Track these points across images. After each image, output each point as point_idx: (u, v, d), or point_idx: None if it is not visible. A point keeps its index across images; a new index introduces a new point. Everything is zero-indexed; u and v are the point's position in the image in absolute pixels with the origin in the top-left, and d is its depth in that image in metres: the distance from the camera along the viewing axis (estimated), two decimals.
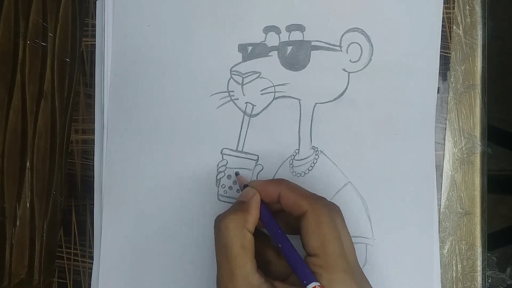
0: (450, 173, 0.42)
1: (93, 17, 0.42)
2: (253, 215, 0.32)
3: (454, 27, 0.42)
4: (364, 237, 0.39)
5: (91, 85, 0.42)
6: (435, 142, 0.40)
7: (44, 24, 0.43)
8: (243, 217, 0.32)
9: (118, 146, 0.41)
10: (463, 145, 0.42)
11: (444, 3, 0.41)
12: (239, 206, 0.33)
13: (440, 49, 0.41)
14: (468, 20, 0.42)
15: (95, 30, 0.42)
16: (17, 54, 0.43)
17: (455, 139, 0.42)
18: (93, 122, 0.42)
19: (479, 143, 0.42)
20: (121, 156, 0.41)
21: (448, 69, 0.41)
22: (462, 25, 0.42)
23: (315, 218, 0.31)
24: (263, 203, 0.34)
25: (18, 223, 0.42)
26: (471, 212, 0.41)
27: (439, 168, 0.41)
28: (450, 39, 0.42)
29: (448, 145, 0.42)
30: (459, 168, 0.42)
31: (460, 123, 0.42)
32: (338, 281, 0.30)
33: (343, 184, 0.40)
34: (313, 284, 0.29)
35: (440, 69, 0.41)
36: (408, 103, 0.40)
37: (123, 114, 0.41)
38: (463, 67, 0.42)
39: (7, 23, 0.43)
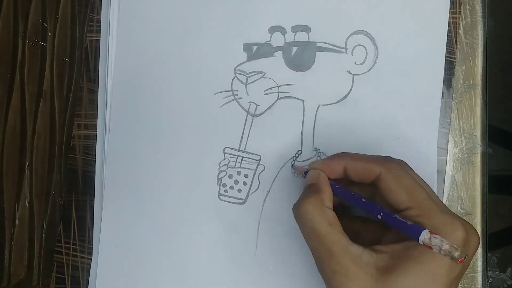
0: (450, 173, 0.41)
1: (98, 12, 0.42)
2: (327, 192, 0.33)
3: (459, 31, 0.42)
4: None
5: (95, 80, 0.42)
6: (438, 147, 0.40)
7: (43, 23, 0.43)
8: (319, 197, 0.32)
9: (120, 142, 0.41)
10: (463, 145, 0.42)
11: (450, 8, 0.41)
12: (311, 189, 0.33)
13: (445, 54, 0.41)
14: (468, 20, 0.42)
15: (100, 25, 0.42)
16: (16, 54, 0.43)
17: (456, 139, 0.42)
18: (96, 118, 0.42)
19: (479, 143, 0.42)
20: (123, 152, 0.41)
21: (453, 74, 0.41)
22: (462, 25, 0.42)
23: (392, 175, 0.31)
24: (331, 180, 0.34)
25: (17, 224, 0.42)
26: (471, 212, 0.41)
27: (441, 173, 0.40)
28: (456, 44, 0.41)
29: (449, 145, 0.41)
30: (459, 168, 0.42)
31: (461, 123, 0.42)
32: (442, 223, 0.30)
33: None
34: (424, 232, 0.28)
35: (444, 74, 0.40)
36: (412, 107, 0.40)
37: (125, 111, 0.41)
38: (463, 67, 0.42)
39: (6, 23, 0.43)
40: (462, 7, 0.42)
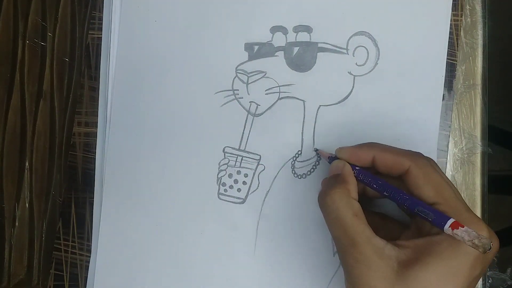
0: (450, 173, 0.41)
1: (100, 10, 0.42)
2: (352, 183, 0.33)
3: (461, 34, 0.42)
4: None
5: (96, 78, 0.42)
6: (438, 149, 0.40)
7: (43, 23, 0.43)
8: (345, 187, 0.33)
9: (120, 140, 0.41)
10: (463, 145, 0.42)
11: (452, 10, 0.41)
12: (336, 179, 0.34)
13: (447, 56, 0.41)
14: (468, 20, 0.42)
15: (101, 23, 0.42)
16: (16, 54, 0.43)
17: (456, 139, 0.42)
18: (96, 115, 0.42)
19: (479, 143, 0.42)
20: (123, 150, 0.41)
21: (454, 77, 0.41)
22: (462, 25, 0.42)
23: (421, 171, 0.32)
24: (359, 166, 0.34)
25: (17, 224, 0.42)
26: None
27: None
28: (457, 46, 0.41)
29: (449, 145, 0.41)
30: (459, 168, 0.42)
31: (461, 123, 0.42)
32: (468, 221, 0.30)
33: None
34: (450, 220, 0.29)
35: (445, 76, 0.40)
36: (413, 109, 0.40)
37: (126, 109, 0.41)
38: (463, 67, 0.42)
39: (6, 23, 0.43)
40: (463, 10, 0.42)
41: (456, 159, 0.42)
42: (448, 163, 0.41)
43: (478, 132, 0.42)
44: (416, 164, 0.32)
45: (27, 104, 0.43)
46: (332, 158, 0.37)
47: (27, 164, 0.43)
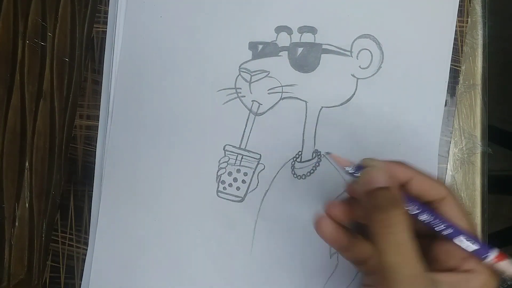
0: (450, 173, 0.41)
1: (106, 4, 0.42)
2: (404, 204, 0.30)
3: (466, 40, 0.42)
4: None
5: (99, 71, 0.42)
6: (439, 154, 0.40)
7: (43, 23, 0.43)
8: (405, 211, 0.29)
9: (121, 135, 0.41)
10: (463, 145, 0.42)
11: (457, 17, 0.41)
12: (391, 197, 0.29)
13: (451, 62, 0.41)
14: (468, 20, 0.42)
15: (107, 17, 0.42)
16: (16, 54, 0.43)
17: (456, 139, 0.42)
18: (98, 109, 0.42)
19: (479, 143, 0.42)
20: (124, 145, 0.41)
21: (457, 83, 0.41)
22: (466, 30, 0.42)
23: (456, 203, 0.30)
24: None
25: (17, 224, 0.42)
26: (471, 213, 0.41)
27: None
28: (462, 52, 0.41)
29: (449, 145, 0.41)
30: (459, 168, 0.42)
31: (461, 123, 0.42)
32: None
33: (343, 189, 0.40)
34: (496, 252, 0.28)
35: (448, 82, 0.40)
36: (415, 114, 0.40)
37: (128, 103, 0.41)
38: (463, 67, 0.42)
39: (6, 23, 0.43)
40: (465, 13, 0.42)
41: (456, 159, 0.42)
42: (448, 163, 0.41)
43: (478, 132, 0.42)
44: (452, 195, 0.30)
45: (27, 104, 0.43)
46: (358, 167, 0.32)
47: (27, 164, 0.43)
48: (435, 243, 0.31)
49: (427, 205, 0.30)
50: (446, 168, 0.41)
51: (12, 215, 0.42)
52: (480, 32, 0.42)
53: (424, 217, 0.30)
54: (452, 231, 0.29)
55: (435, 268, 0.30)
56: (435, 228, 0.30)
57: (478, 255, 0.29)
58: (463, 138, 0.42)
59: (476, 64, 0.42)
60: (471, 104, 0.42)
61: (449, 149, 0.41)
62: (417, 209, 0.30)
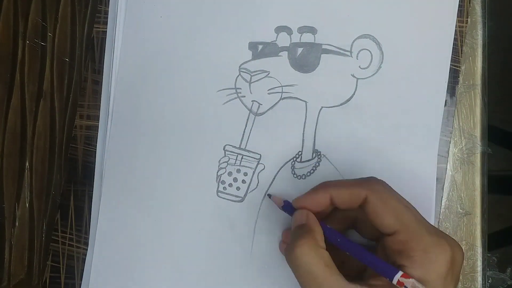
0: (450, 173, 0.41)
1: (106, 4, 0.42)
2: (318, 232, 0.32)
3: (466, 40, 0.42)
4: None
5: (99, 71, 0.42)
6: (438, 154, 0.40)
7: (43, 24, 0.43)
8: (313, 237, 0.32)
9: (121, 135, 0.41)
10: (463, 145, 0.42)
11: (457, 17, 0.41)
12: (302, 230, 0.33)
13: (450, 62, 0.41)
14: (468, 20, 0.42)
15: (107, 17, 0.42)
16: (17, 54, 0.43)
17: (455, 139, 0.42)
18: (98, 109, 0.42)
19: (479, 143, 0.42)
20: (124, 145, 0.41)
21: (457, 83, 0.41)
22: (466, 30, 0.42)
23: (378, 197, 0.31)
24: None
25: (17, 224, 0.42)
26: (471, 213, 0.41)
27: (441, 181, 0.40)
28: (462, 53, 0.41)
29: (449, 146, 0.41)
30: (459, 168, 0.42)
31: (460, 123, 0.42)
32: (430, 245, 0.30)
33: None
34: (398, 274, 0.29)
35: (448, 82, 0.40)
36: (414, 114, 0.40)
37: (128, 103, 0.41)
38: (463, 67, 0.42)
39: (6, 23, 0.43)
40: (468, 15, 0.42)
41: (456, 159, 0.42)
42: (448, 163, 0.41)
43: (478, 132, 0.42)
44: (372, 192, 0.32)
45: (27, 104, 0.43)
46: (287, 207, 0.36)
47: (27, 164, 0.43)
48: (380, 249, 0.34)
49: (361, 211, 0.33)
50: (446, 168, 0.41)
51: (12, 215, 0.42)
52: (480, 32, 0.42)
53: (340, 243, 0.33)
54: (362, 255, 0.31)
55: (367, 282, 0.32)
56: (348, 253, 0.32)
57: (386, 274, 0.30)
58: (463, 138, 0.42)
59: (476, 64, 0.42)
60: (471, 104, 0.42)
61: (448, 149, 0.41)
62: (328, 239, 0.33)
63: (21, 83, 0.43)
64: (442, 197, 0.41)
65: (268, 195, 0.40)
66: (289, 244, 0.32)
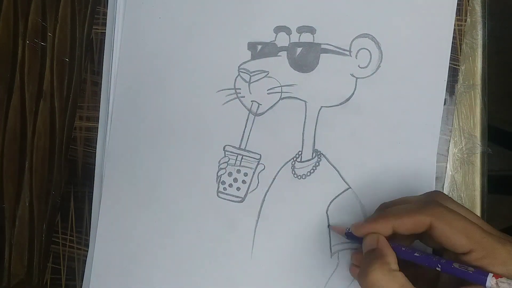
0: (450, 173, 0.41)
1: (105, 5, 0.42)
2: (391, 255, 0.32)
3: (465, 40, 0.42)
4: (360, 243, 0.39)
5: (99, 73, 0.42)
6: (438, 153, 0.40)
7: (43, 24, 0.43)
8: (385, 262, 0.32)
9: (121, 136, 0.41)
10: (463, 145, 0.42)
11: (456, 15, 0.41)
12: (374, 255, 0.33)
13: (450, 61, 0.41)
14: (468, 20, 0.42)
15: (106, 18, 0.42)
16: (17, 54, 0.43)
17: (455, 139, 0.42)
18: (98, 110, 0.42)
19: (479, 143, 0.42)
20: (124, 145, 0.41)
21: (456, 81, 0.41)
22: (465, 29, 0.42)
23: (444, 222, 0.31)
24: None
25: (17, 224, 0.42)
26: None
27: (440, 180, 0.40)
28: (460, 51, 0.41)
29: (449, 146, 0.41)
30: (459, 168, 0.42)
31: (460, 123, 0.42)
32: (508, 258, 0.30)
33: (343, 189, 0.40)
34: (489, 277, 0.29)
35: (448, 81, 0.40)
36: (414, 113, 0.40)
37: (128, 104, 0.41)
38: (463, 67, 0.42)
39: (6, 23, 0.43)
40: (467, 13, 0.42)
41: (456, 159, 0.42)
42: (448, 163, 0.41)
43: (477, 132, 0.42)
44: (437, 218, 0.31)
45: (27, 104, 0.43)
46: (349, 234, 0.36)
47: (27, 164, 0.43)
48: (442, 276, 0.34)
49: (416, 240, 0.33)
50: (446, 167, 0.41)
51: (12, 215, 0.42)
52: (479, 32, 0.42)
53: (414, 258, 0.33)
54: (441, 266, 0.31)
55: (456, 282, 0.31)
56: (427, 265, 0.32)
57: (476, 281, 0.30)
58: (463, 138, 0.42)
59: (475, 64, 0.42)
60: (471, 104, 0.42)
61: (448, 148, 0.41)
62: (400, 256, 0.33)
63: (21, 83, 0.43)
64: (443, 190, 0.41)
65: (328, 226, 0.40)
66: (361, 269, 0.32)
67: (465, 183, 0.42)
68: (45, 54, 0.43)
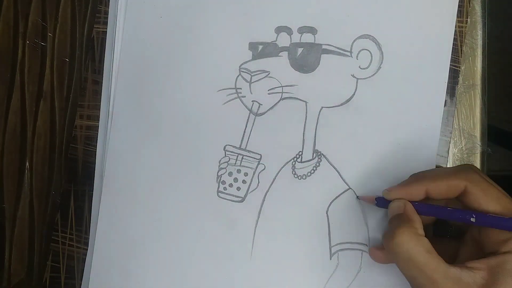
0: None
1: (106, 4, 0.42)
2: (417, 221, 0.33)
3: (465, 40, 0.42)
4: (360, 244, 0.39)
5: (99, 71, 0.42)
6: (438, 155, 0.40)
7: (43, 24, 0.43)
8: (412, 226, 0.32)
9: (121, 135, 0.41)
10: (463, 145, 0.42)
11: (457, 17, 0.41)
12: (400, 219, 0.33)
13: (450, 62, 0.41)
14: (468, 20, 0.42)
15: (107, 17, 0.42)
16: (17, 54, 0.43)
17: (455, 139, 0.42)
18: (99, 109, 0.42)
19: (479, 143, 0.42)
20: (124, 145, 0.41)
21: (456, 83, 0.41)
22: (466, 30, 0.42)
23: (479, 188, 0.32)
24: (417, 202, 0.34)
25: (17, 224, 0.42)
26: None
27: None
28: (461, 53, 0.41)
29: (449, 146, 0.41)
30: None
31: (460, 123, 0.42)
32: None
33: (343, 189, 0.40)
34: None
35: (448, 83, 0.40)
36: (414, 114, 0.40)
37: (129, 103, 0.41)
38: (463, 67, 0.42)
39: (6, 23, 0.43)
40: (468, 15, 0.42)
41: (456, 159, 0.42)
42: (447, 163, 0.41)
43: (477, 132, 0.42)
44: (472, 183, 0.32)
45: (27, 104, 0.43)
46: (380, 200, 0.36)
47: (27, 164, 0.43)
48: (469, 236, 0.34)
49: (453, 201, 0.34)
50: (446, 163, 0.41)
51: (12, 215, 0.42)
52: (479, 32, 0.42)
53: (447, 212, 0.33)
54: (475, 217, 0.31)
55: (485, 251, 0.32)
56: (458, 221, 0.32)
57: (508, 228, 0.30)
58: (462, 138, 0.42)
59: (475, 64, 0.42)
60: (471, 104, 0.42)
61: (448, 149, 0.41)
62: (442, 216, 0.33)
63: (21, 83, 0.43)
64: None
65: (357, 197, 0.40)
66: (387, 232, 0.33)
67: None
68: (45, 54, 0.43)
